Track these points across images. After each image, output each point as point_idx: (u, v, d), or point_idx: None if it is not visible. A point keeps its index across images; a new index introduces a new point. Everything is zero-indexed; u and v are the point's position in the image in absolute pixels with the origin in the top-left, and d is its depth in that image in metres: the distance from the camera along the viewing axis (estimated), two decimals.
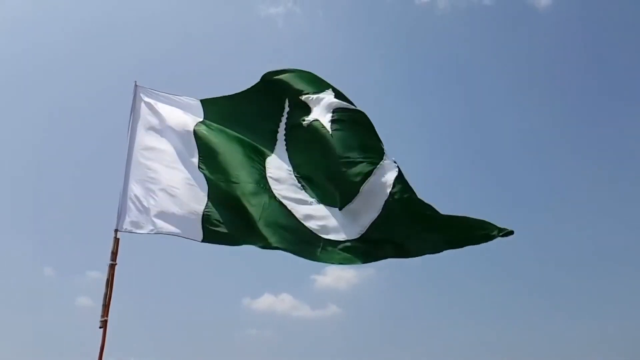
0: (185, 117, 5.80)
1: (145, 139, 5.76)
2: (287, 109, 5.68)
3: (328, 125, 5.26)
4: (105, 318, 5.01)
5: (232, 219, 5.31)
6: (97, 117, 23.23)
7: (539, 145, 26.65)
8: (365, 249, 4.95)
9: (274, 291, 22.10)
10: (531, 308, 21.18)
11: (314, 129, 5.35)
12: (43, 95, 23.55)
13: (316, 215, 5.15)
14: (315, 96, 5.49)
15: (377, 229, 4.92)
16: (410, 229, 4.90)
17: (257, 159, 5.55)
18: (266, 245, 5.03)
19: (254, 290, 21.80)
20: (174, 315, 19.53)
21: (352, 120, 5.31)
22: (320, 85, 5.56)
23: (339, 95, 5.44)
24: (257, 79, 5.80)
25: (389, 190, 4.89)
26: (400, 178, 4.94)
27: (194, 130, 5.71)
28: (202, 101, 5.88)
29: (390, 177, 4.94)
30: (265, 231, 5.02)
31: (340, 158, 5.09)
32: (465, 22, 26.02)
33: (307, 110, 5.50)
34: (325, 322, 21.57)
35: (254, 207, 5.17)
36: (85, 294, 19.92)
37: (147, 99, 5.88)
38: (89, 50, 24.25)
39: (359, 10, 26.83)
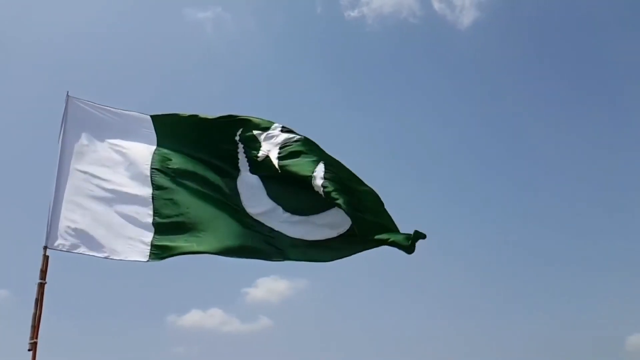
0: (136, 145, 5.66)
1: (83, 154, 5.53)
2: (238, 138, 5.68)
3: (276, 163, 5.42)
4: (35, 340, 4.76)
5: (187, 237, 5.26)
6: (20, 127, 21.92)
7: (459, 161, 28.11)
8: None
9: (203, 306, 21.67)
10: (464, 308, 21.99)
11: (267, 164, 5.49)
12: None
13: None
14: (265, 133, 5.59)
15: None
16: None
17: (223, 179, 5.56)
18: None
19: (180, 307, 21.25)
20: (93, 336, 18.61)
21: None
22: (267, 122, 5.68)
23: (285, 129, 5.60)
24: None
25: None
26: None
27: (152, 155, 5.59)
28: (153, 119, 5.74)
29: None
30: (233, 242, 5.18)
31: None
32: (392, 39, 27.11)
33: (258, 144, 5.60)
34: (256, 335, 21.39)
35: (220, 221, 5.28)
36: None
37: (83, 112, 5.62)
38: (17, 57, 22.90)
39: (290, 19, 27.30)
